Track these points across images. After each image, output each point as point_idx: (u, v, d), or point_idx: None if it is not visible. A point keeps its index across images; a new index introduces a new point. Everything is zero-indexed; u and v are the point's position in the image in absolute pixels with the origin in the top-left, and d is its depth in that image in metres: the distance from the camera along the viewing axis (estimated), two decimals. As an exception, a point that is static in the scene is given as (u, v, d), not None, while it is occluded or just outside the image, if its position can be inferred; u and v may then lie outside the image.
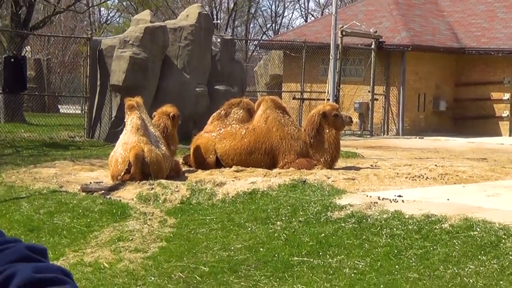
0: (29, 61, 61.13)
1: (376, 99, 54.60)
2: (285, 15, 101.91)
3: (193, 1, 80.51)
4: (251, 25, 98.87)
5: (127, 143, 29.35)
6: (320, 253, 22.93)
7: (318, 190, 26.98)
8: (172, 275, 22.41)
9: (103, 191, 28.62)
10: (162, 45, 46.05)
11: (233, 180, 28.73)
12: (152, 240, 24.98)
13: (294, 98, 51.31)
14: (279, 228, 24.79)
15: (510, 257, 21.59)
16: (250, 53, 78.83)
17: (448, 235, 23.04)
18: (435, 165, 33.95)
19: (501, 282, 20.49)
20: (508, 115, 55.36)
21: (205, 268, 22.69)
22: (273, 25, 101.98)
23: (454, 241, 22.72)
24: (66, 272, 2.96)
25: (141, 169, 28.79)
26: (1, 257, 2.91)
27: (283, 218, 25.32)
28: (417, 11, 59.27)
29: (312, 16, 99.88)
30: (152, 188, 28.27)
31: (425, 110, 56.07)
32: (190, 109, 37.16)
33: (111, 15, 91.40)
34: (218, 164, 30.51)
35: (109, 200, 28.03)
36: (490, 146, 46.22)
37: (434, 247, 22.53)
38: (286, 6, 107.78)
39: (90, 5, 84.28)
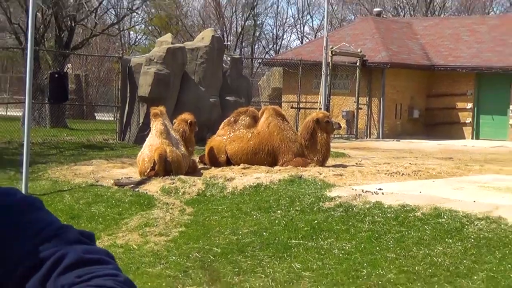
0: (70, 76, 60.69)
1: (361, 108, 54.28)
2: (284, 37, 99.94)
3: (207, 25, 79.70)
4: (256, 46, 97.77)
5: (152, 145, 29.62)
6: (314, 237, 23.39)
7: (312, 184, 27.24)
8: (190, 255, 22.84)
9: (132, 185, 28.83)
10: (181, 63, 45.76)
11: (241, 176, 28.95)
12: (173, 226, 25.39)
13: (292, 107, 51.00)
14: (279, 216, 25.17)
15: (472, 240, 22.12)
16: (255, 70, 78.19)
17: (420, 221, 23.49)
18: (410, 163, 33.93)
19: (464, 261, 21.02)
20: (470, 121, 55.30)
21: (217, 249, 23.14)
22: (274, 46, 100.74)
23: (425, 226, 23.21)
24: (110, 254, 2.96)
25: (164, 167, 28.99)
26: (58, 239, 2.83)
27: (283, 208, 25.66)
28: (395, 34, 58.95)
29: (307, 38, 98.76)
30: (173, 183, 28.50)
31: (401, 117, 55.72)
32: (205, 117, 37.29)
33: (138, 37, 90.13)
34: (228, 162, 30.49)
35: (137, 192, 28.26)
36: (455, 147, 45.90)
37: (409, 232, 23.01)
38: (285, 30, 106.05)
39: (121, 29, 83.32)
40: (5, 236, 2.71)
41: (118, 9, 75.62)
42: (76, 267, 2.67)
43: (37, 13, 36.93)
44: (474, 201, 24.65)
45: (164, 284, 14.94)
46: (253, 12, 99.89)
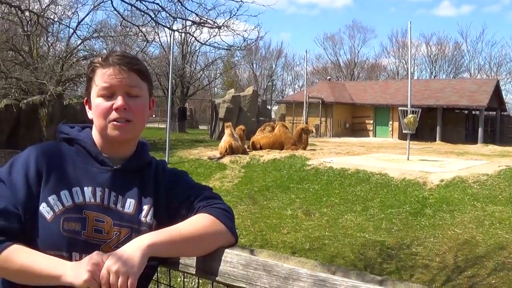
0: (187, 108, 60.92)
1: (322, 123, 54.16)
2: (285, 89, 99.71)
3: (250, 84, 79.71)
4: (273, 94, 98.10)
5: (225, 140, 29.32)
6: (301, 183, 23.22)
7: (299, 158, 27.01)
8: (243, 191, 22.79)
9: (216, 159, 28.67)
10: (238, 102, 45.15)
11: (266, 154, 28.82)
12: (235, 177, 25.25)
13: (290, 123, 51.02)
14: (284, 173, 24.98)
15: (373, 184, 21.95)
16: (272, 105, 78.20)
17: (350, 175, 23.32)
18: (344, 148, 34.04)
19: (369, 194, 20.89)
20: (372, 128, 54.90)
21: (256, 188, 23.01)
22: (282, 93, 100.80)
23: (352, 178, 23.01)
24: (220, 196, 2.79)
25: (231, 150, 28.96)
26: (198, 187, 2.74)
27: (286, 169, 25.45)
28: (337, 89, 58.36)
29: (297, 89, 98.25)
30: (235, 158, 28.44)
31: (340, 127, 55.24)
32: (250, 127, 37.19)
33: (219, 90, 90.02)
34: (261, 148, 30.58)
35: (218, 162, 27.95)
36: (366, 141, 45.47)
37: (344, 180, 22.83)
38: (286, 86, 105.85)
39: (210, 88, 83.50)
40: (177, 184, 2.71)
41: (210, 79, 75.27)
42: (207, 199, 2.63)
43: (173, 80, 36.98)
44: (374, 166, 24.46)
45: (231, 205, 14.54)
46: (271, 79, 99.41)
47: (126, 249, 2.31)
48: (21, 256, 2.33)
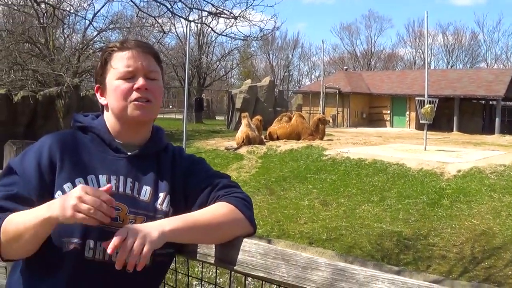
0: (204, 99, 61.00)
1: (339, 113, 53.99)
2: (301, 80, 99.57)
3: (267, 74, 79.56)
4: (290, 84, 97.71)
5: (242, 131, 29.29)
6: (318, 173, 23.21)
7: (317, 149, 26.96)
8: (260, 182, 22.81)
9: (233, 149, 28.70)
10: (255, 92, 45.34)
11: (283, 145, 28.86)
12: (252, 168, 25.28)
13: (307, 113, 50.79)
14: (301, 163, 24.96)
15: (390, 174, 21.94)
16: (289, 95, 77.78)
17: (367, 166, 23.28)
18: (361, 139, 33.97)
19: (387, 184, 20.87)
20: (389, 119, 54.60)
21: (273, 179, 23.04)
22: (298, 83, 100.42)
23: (369, 168, 22.98)
24: (239, 185, 2.78)
25: (248, 141, 28.98)
26: (216, 175, 2.73)
27: (303, 159, 25.47)
28: (354, 79, 58.29)
29: (314, 80, 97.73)
30: (252, 148, 28.42)
31: (357, 117, 55.16)
32: (267, 117, 37.14)
33: (236, 81, 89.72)
34: (278, 139, 30.57)
35: (235, 152, 27.94)
36: (382, 131, 45.34)
37: (361, 170, 22.79)
38: (303, 76, 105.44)
39: (228, 78, 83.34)
40: (195, 172, 2.71)
41: (226, 69, 75.22)
42: (225, 187, 2.64)
43: (189, 70, 36.89)
44: (391, 156, 24.39)
45: (249, 195, 14.48)
46: (287, 69, 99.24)
47: (146, 225, 2.34)
48: (13, 219, 2.36)
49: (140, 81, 2.59)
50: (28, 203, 2.43)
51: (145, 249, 2.22)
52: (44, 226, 2.30)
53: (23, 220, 2.33)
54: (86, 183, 2.50)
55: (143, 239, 2.23)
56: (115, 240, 2.22)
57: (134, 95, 2.59)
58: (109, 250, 2.21)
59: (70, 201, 2.21)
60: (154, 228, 2.31)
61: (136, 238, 2.23)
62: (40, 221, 2.28)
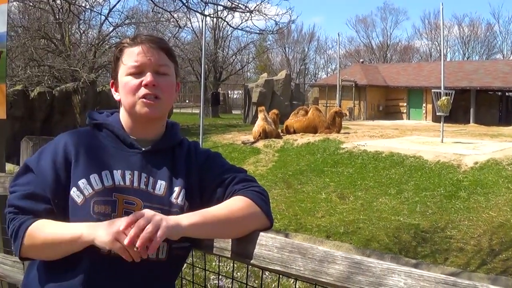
0: (220, 93, 60.99)
1: (355, 106, 53.91)
2: (318, 73, 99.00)
3: (283, 68, 79.45)
4: (306, 77, 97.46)
5: (259, 125, 29.35)
6: (335, 166, 23.20)
7: (333, 142, 26.97)
8: (277, 175, 22.82)
9: (250, 143, 28.77)
10: (271, 86, 45.21)
11: (300, 138, 28.81)
12: (269, 162, 25.28)
13: (323, 106, 50.64)
14: (318, 156, 24.95)
15: (407, 167, 21.89)
16: (305, 88, 77.46)
17: (384, 158, 23.24)
18: (378, 131, 33.86)
19: (404, 177, 20.81)
20: (406, 111, 54.34)
21: (290, 172, 23.04)
22: (314, 77, 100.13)
23: (386, 161, 22.94)
24: (255, 179, 2.80)
25: (265, 134, 28.99)
26: (233, 169, 2.76)
27: (320, 153, 25.42)
28: (370, 71, 58.09)
29: (331, 73, 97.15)
30: (269, 142, 28.43)
31: (373, 110, 54.90)
32: (283, 111, 37.09)
33: (251, 75, 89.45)
34: (294, 132, 30.57)
35: (252, 146, 27.98)
36: (399, 124, 45.20)
37: (378, 163, 22.75)
38: (320, 69, 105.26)
39: (244, 72, 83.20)
40: (212, 166, 2.72)
41: (242, 63, 75.16)
42: (242, 182, 2.64)
43: (205, 65, 36.85)
44: (408, 148, 24.32)
45: (266, 189, 14.53)
46: (303, 62, 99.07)
47: (164, 215, 2.35)
48: (45, 228, 2.41)
49: (148, 77, 2.60)
50: (45, 201, 2.49)
51: (158, 232, 2.23)
52: (80, 246, 2.35)
53: (59, 234, 2.38)
54: (101, 179, 2.52)
55: (158, 223, 2.25)
56: (129, 217, 2.27)
57: (142, 91, 2.61)
58: (121, 227, 2.25)
59: (113, 228, 2.26)
60: (172, 219, 2.33)
61: (151, 219, 2.26)
62: (79, 242, 2.34)
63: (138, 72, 2.62)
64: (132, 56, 2.64)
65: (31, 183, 2.53)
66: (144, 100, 2.59)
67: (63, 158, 2.54)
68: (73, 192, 2.49)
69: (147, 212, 2.30)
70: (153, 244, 2.22)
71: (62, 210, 2.48)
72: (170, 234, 2.28)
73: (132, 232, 2.22)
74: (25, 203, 2.48)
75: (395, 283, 1.99)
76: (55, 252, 2.41)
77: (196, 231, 2.39)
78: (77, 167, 2.54)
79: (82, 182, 2.50)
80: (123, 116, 2.74)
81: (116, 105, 2.83)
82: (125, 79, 2.64)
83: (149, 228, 2.22)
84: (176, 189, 2.62)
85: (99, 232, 2.28)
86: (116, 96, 2.75)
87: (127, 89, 2.63)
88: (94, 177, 2.51)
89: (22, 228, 2.43)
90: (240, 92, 66.06)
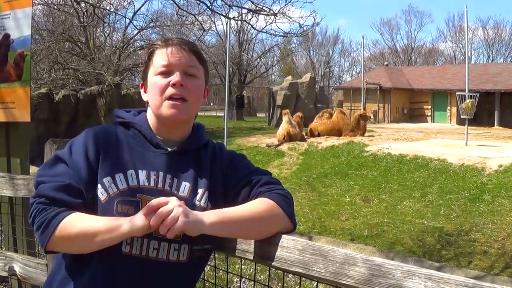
0: (245, 96, 61.10)
1: (380, 108, 53.86)
2: (342, 76, 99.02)
3: (307, 71, 79.51)
4: (330, 80, 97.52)
5: (283, 127, 29.40)
6: (359, 169, 23.14)
7: (358, 145, 26.95)
8: (301, 178, 22.77)
9: (274, 146, 28.79)
10: (296, 89, 45.37)
11: (324, 141, 28.86)
12: (293, 165, 25.29)
13: (348, 109, 50.70)
14: (343, 159, 24.91)
15: (432, 170, 21.80)
16: (330, 91, 77.30)
17: (408, 161, 23.20)
18: (402, 134, 33.77)
19: (428, 180, 20.72)
20: (430, 114, 54.23)
21: (314, 175, 23.00)
22: (339, 80, 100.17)
23: (410, 164, 22.88)
24: (280, 181, 2.81)
25: (289, 137, 29.02)
26: (257, 171, 2.75)
27: (344, 156, 25.40)
28: (394, 74, 58.08)
29: (355, 75, 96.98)
30: (293, 145, 28.43)
31: (398, 112, 55.01)
32: (307, 114, 37.13)
33: (276, 78, 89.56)
34: (319, 135, 30.58)
35: (276, 149, 27.99)
36: (424, 126, 45.01)
37: (403, 166, 22.71)
38: (344, 73, 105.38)
39: (268, 75, 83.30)
40: (236, 168, 2.72)
41: (267, 66, 75.28)
42: (267, 184, 2.64)
43: (230, 68, 36.88)
44: (432, 151, 24.24)
45: (290, 192, 14.43)
46: (328, 65, 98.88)
47: (188, 210, 2.36)
48: (79, 220, 2.40)
49: (176, 77, 2.61)
50: (80, 194, 2.49)
51: (179, 221, 2.26)
52: (117, 238, 2.37)
53: (96, 225, 2.38)
54: (126, 178, 2.53)
55: (180, 212, 2.29)
56: (153, 202, 2.32)
57: (170, 91, 2.62)
58: (143, 211, 2.31)
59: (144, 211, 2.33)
60: (195, 213, 2.36)
61: (174, 207, 2.30)
62: (115, 233, 2.35)
63: (167, 71, 2.64)
64: (162, 56, 2.66)
65: (65, 175, 2.52)
66: (171, 101, 2.60)
67: (94, 152, 2.55)
68: (98, 189, 2.51)
69: (172, 202, 2.33)
70: (172, 230, 2.27)
71: (92, 204, 2.49)
72: (190, 227, 2.31)
73: (154, 215, 2.27)
74: (59, 195, 2.46)
75: (415, 285, 2.00)
76: (88, 245, 2.40)
77: (218, 229, 2.39)
78: (104, 164, 2.55)
79: (107, 180, 2.51)
80: (150, 117, 2.75)
81: (141, 107, 2.87)
82: (153, 79, 2.66)
83: (168, 219, 2.27)
84: (200, 191, 2.62)
85: (135, 219, 2.32)
86: (145, 97, 2.77)
87: (155, 88, 2.64)
88: (119, 176, 2.53)
89: (56, 219, 2.41)
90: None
